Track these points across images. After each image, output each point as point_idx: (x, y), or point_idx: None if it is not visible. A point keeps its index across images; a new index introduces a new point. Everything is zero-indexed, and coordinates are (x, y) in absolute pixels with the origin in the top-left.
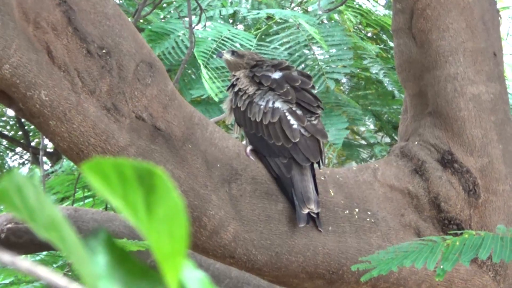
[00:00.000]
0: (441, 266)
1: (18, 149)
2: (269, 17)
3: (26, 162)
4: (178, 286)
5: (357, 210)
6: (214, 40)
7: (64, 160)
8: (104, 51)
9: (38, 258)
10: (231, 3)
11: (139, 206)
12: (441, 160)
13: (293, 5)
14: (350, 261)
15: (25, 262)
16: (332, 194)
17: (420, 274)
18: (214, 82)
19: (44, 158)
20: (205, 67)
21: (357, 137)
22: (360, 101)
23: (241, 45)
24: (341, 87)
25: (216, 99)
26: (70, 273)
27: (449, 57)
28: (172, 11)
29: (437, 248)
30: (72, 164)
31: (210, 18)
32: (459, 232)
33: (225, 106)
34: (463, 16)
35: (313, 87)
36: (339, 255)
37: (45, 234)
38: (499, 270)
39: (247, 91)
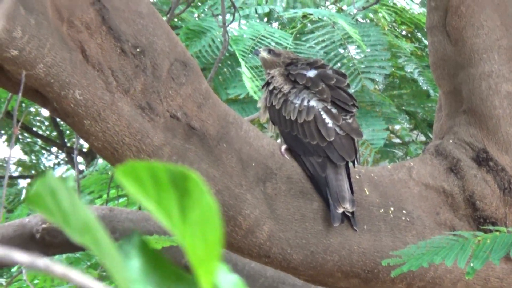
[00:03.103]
0: (471, 264)
1: (53, 149)
2: (304, 16)
3: (61, 162)
4: None
5: (392, 208)
6: (251, 39)
7: (99, 159)
8: (138, 50)
9: (72, 256)
10: (267, 1)
11: (173, 209)
12: (476, 158)
13: (327, 3)
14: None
15: (59, 266)
16: (367, 193)
17: (456, 273)
18: (253, 81)
19: (79, 158)
20: (245, 65)
21: (391, 135)
22: (395, 100)
23: (278, 43)
24: (376, 86)
25: (256, 98)
26: (104, 273)
27: (483, 55)
28: (206, 9)
29: (468, 245)
30: (106, 163)
31: (246, 17)
32: (493, 229)
33: (259, 104)
34: (497, 13)
35: (348, 85)
36: (374, 254)
37: (79, 238)
38: None
39: (282, 90)
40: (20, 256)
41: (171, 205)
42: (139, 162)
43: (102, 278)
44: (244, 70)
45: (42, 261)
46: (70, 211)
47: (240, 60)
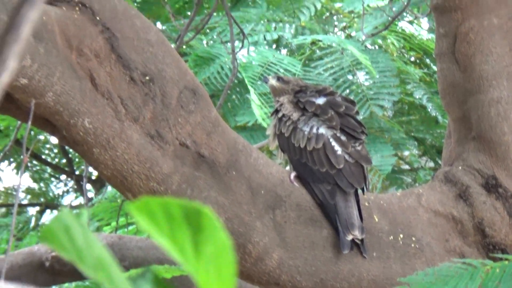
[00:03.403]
0: None
1: (62, 177)
2: (313, 42)
3: (70, 189)
4: None
5: (401, 235)
6: (260, 66)
7: (108, 187)
8: (147, 78)
9: (82, 284)
10: (275, 28)
11: (187, 245)
12: (485, 185)
13: (336, 30)
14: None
15: None
16: (377, 220)
17: None
18: (262, 108)
19: (88, 186)
20: (255, 92)
21: (400, 161)
22: (404, 126)
23: (286, 70)
24: (385, 113)
25: (265, 125)
26: None
27: (492, 81)
28: (215, 36)
29: (477, 274)
30: (115, 191)
31: (255, 43)
32: (502, 256)
33: (268, 132)
34: (506, 40)
35: (357, 112)
36: (384, 281)
37: (93, 274)
38: None
39: (291, 117)
40: None
41: (184, 240)
42: (153, 197)
43: None
44: (253, 97)
45: None
46: (84, 248)
47: (249, 87)
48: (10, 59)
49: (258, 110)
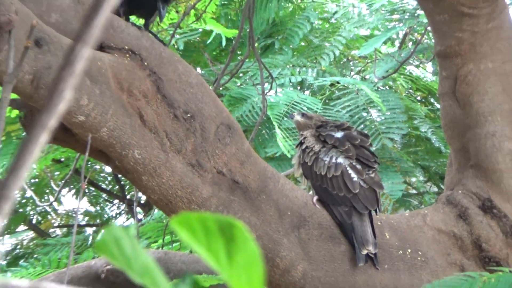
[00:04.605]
0: None
1: (115, 201)
2: (332, 84)
3: (122, 212)
4: None
5: (409, 250)
6: (286, 104)
7: (155, 210)
8: (188, 115)
9: None
10: (299, 72)
11: (221, 254)
12: (482, 206)
13: (352, 73)
14: None
15: None
16: (388, 237)
17: None
18: (286, 141)
19: (138, 209)
20: (279, 127)
21: (408, 187)
22: (411, 156)
23: (309, 108)
24: (395, 144)
25: (289, 155)
26: None
27: (488, 117)
28: (247, 79)
29: (475, 284)
30: (161, 213)
31: (281, 85)
32: (497, 269)
33: (294, 161)
34: (500, 82)
35: (370, 144)
36: None
37: (140, 279)
38: None
39: (313, 148)
40: None
41: (219, 250)
42: (191, 213)
43: None
44: (277, 131)
45: None
46: (132, 257)
47: (274, 123)
48: (66, 90)
49: (282, 143)
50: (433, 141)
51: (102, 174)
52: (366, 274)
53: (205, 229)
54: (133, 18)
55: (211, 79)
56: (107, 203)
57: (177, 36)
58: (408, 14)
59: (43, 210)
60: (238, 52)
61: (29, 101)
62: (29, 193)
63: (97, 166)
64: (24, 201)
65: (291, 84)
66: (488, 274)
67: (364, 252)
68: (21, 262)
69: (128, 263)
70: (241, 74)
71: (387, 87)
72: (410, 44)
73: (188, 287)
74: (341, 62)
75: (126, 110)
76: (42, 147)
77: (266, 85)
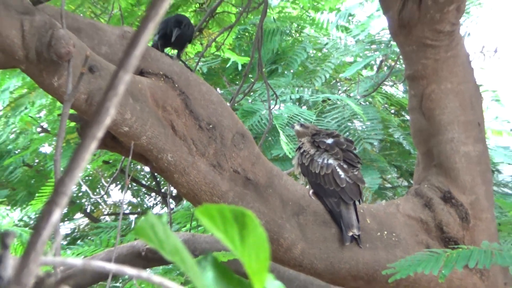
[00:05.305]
0: (443, 271)
1: (152, 194)
2: (324, 100)
3: (158, 202)
4: None
5: (385, 232)
6: (287, 116)
7: (184, 201)
8: (210, 126)
9: (167, 267)
10: (298, 91)
11: (235, 237)
12: (443, 197)
13: (340, 91)
14: (382, 267)
15: (156, 277)
16: (368, 222)
17: (430, 275)
18: (288, 144)
19: (170, 200)
20: (283, 134)
21: (384, 182)
22: (387, 158)
23: (305, 119)
24: (373, 148)
25: (290, 156)
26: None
27: (447, 127)
28: (256, 97)
29: (440, 258)
30: (189, 203)
31: (284, 101)
32: (456, 246)
33: (294, 162)
34: (457, 98)
35: (354, 148)
36: (373, 263)
37: (170, 257)
38: (484, 272)
39: (309, 152)
40: (131, 271)
41: (234, 234)
42: (212, 205)
43: (186, 283)
44: (282, 137)
45: (145, 274)
46: (164, 239)
47: (279, 130)
48: (111, 107)
49: (285, 146)
50: (404, 145)
51: (142, 173)
52: (352, 251)
53: (222, 217)
54: (167, 49)
55: (228, 97)
56: (146, 195)
57: (201, 63)
58: (383, 44)
59: (95, 201)
60: (250, 76)
61: (84, 116)
62: (84, 188)
63: (138, 166)
64: (80, 194)
65: (291, 100)
66: (450, 251)
67: (350, 233)
68: (78, 242)
69: (161, 244)
70: (251, 93)
71: (367, 102)
72: (385, 68)
73: (209, 262)
74: (331, 83)
75: (161, 122)
76: (92, 152)
77: (272, 101)
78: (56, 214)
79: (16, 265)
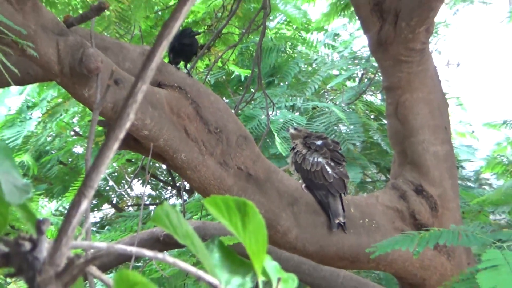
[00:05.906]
0: (417, 249)
1: (169, 188)
2: (313, 107)
3: (173, 195)
4: (262, 270)
5: (367, 220)
6: (282, 121)
7: (195, 193)
8: (218, 130)
9: (181, 250)
10: (291, 99)
11: (238, 224)
12: (416, 190)
13: (327, 100)
14: (364, 250)
15: (170, 258)
16: (352, 211)
17: (405, 256)
18: (283, 145)
19: (184, 193)
20: (278, 136)
21: (366, 176)
22: (367, 156)
23: (298, 123)
24: (356, 148)
25: (284, 155)
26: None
27: (419, 130)
28: (256, 104)
29: (415, 238)
30: (200, 196)
31: (279, 108)
32: (427, 229)
33: (288, 160)
34: (427, 106)
35: (340, 149)
36: (357, 246)
37: (183, 241)
38: (450, 253)
39: (302, 152)
40: (148, 253)
41: (237, 221)
42: (218, 196)
43: (197, 264)
44: (277, 139)
45: (160, 255)
46: (177, 226)
47: (275, 133)
48: (131, 113)
49: (280, 146)
50: (382, 146)
51: (159, 170)
52: (338, 236)
53: (227, 207)
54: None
55: (232, 105)
56: (163, 189)
57: (209, 76)
58: (364, 60)
59: (120, 194)
60: (251, 87)
61: (110, 121)
62: (111, 182)
63: (157, 164)
64: (107, 188)
65: (285, 107)
66: (424, 232)
67: (337, 221)
68: (106, 228)
69: (175, 230)
70: (252, 101)
71: (350, 109)
72: (366, 80)
73: (215, 245)
74: (320, 93)
75: (175, 127)
76: (115, 151)
77: (269, 108)
78: (84, 204)
79: (50, 248)
